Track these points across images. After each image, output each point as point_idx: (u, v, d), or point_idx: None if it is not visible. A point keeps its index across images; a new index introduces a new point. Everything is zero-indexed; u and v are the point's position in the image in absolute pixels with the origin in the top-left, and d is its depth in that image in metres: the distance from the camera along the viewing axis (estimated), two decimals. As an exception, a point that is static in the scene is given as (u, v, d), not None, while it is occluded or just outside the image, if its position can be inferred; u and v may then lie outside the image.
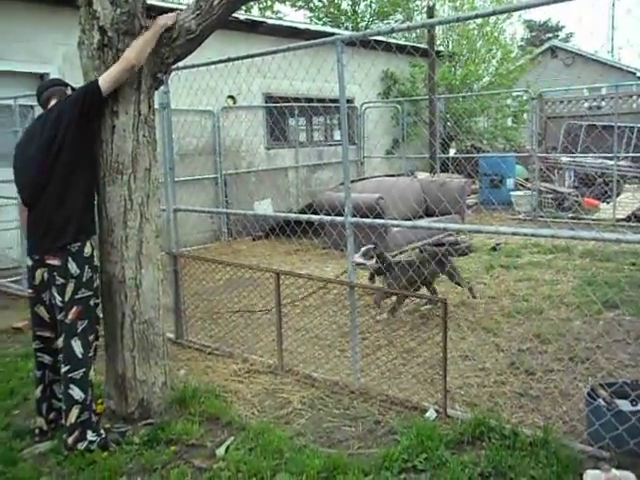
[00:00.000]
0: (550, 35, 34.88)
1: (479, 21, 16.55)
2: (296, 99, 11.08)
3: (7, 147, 3.69)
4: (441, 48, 15.87)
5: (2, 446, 3.39)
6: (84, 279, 3.34)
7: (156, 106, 4.01)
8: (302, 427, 3.55)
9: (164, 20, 3.57)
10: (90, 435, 3.31)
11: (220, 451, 3.28)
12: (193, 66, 4.74)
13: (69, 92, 3.58)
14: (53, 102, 3.50)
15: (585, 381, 3.91)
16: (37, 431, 3.53)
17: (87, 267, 3.37)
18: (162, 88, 4.66)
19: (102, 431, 3.39)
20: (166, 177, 5.05)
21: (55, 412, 3.55)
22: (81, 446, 3.27)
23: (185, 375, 4.30)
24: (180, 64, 4.15)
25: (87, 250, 3.38)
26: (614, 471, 2.80)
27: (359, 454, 3.23)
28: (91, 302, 3.40)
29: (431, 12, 13.47)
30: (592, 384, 3.44)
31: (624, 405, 3.11)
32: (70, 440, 3.28)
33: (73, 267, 3.32)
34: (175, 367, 4.37)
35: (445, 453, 3.10)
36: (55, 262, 3.32)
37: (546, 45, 24.16)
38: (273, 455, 3.17)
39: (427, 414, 3.57)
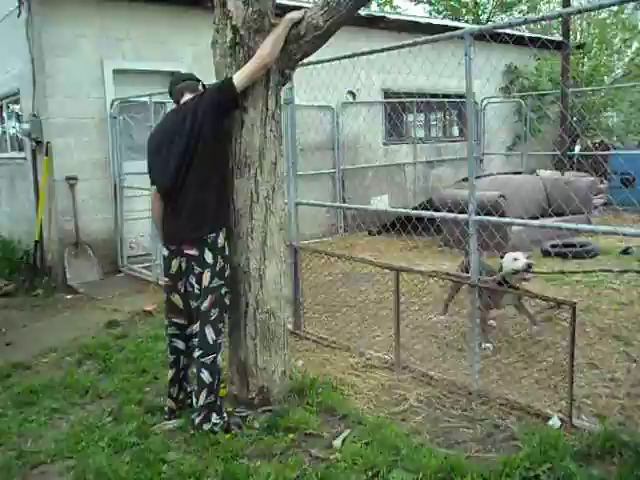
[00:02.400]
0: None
1: (614, 7, 15.57)
2: (414, 94, 10.98)
3: (142, 141, 3.91)
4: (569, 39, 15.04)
5: (136, 420, 3.64)
6: (217, 268, 3.50)
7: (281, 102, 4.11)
8: (418, 425, 3.52)
9: (292, 15, 3.63)
10: (214, 417, 3.46)
11: (337, 443, 3.32)
12: (318, 62, 4.81)
13: (200, 88, 3.73)
14: (187, 97, 3.65)
15: None
16: (166, 410, 3.74)
17: (220, 257, 3.52)
18: (287, 84, 4.76)
19: (225, 414, 3.54)
20: (289, 171, 5.16)
21: (184, 394, 3.75)
22: (206, 427, 3.44)
23: (303, 366, 4.38)
24: (304, 60, 4.23)
25: (221, 241, 3.53)
26: None
27: (477, 457, 3.15)
28: (222, 291, 3.55)
29: (567, 0, 12.74)
30: None
31: None
32: (197, 420, 3.46)
33: (209, 257, 3.48)
34: (293, 357, 4.47)
35: (571, 465, 2.94)
36: (193, 252, 3.50)
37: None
38: (389, 451, 3.16)
39: (550, 422, 3.42)
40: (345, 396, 3.88)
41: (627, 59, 15.97)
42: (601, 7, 3.38)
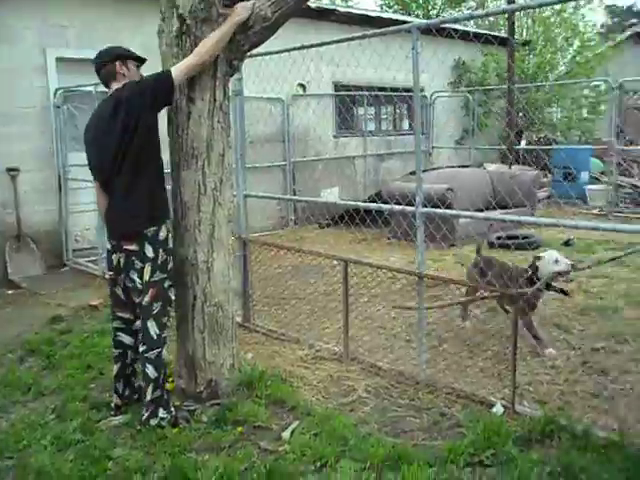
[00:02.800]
0: (635, 21, 33.25)
1: (557, 7, 15.99)
2: (366, 87, 11.04)
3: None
4: (516, 36, 15.38)
5: (81, 416, 3.57)
6: (159, 262, 3.45)
7: (229, 93, 4.07)
8: (367, 415, 3.56)
9: (241, 17, 3.56)
10: (161, 412, 3.42)
11: (286, 434, 3.33)
12: (266, 53, 4.78)
13: (119, 69, 3.50)
14: (116, 85, 3.47)
15: (664, 384, 3.75)
16: (112, 406, 3.68)
17: (162, 250, 3.46)
18: (235, 75, 4.72)
19: (172, 409, 3.50)
20: (237, 163, 5.12)
21: (131, 389, 3.69)
22: (153, 422, 3.40)
23: (252, 359, 4.37)
24: (253, 51, 4.20)
25: (162, 234, 3.48)
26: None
27: (424, 445, 3.21)
28: (165, 284, 3.50)
29: (512, -2, 13.02)
30: (672, 387, 3.29)
31: None
32: (144, 416, 3.42)
33: (149, 251, 3.42)
34: (242, 350, 4.44)
35: (513, 450, 3.04)
36: (133, 247, 3.44)
37: (630, 31, 23.02)
38: (338, 441, 3.19)
39: (494, 409, 3.51)
40: (294, 388, 3.89)
41: (569, 57, 16.43)
42: (541, 5, 3.48)
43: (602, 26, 27.87)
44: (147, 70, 3.70)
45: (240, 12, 3.57)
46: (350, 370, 4.17)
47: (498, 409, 3.51)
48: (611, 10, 34.86)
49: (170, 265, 3.56)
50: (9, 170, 7.35)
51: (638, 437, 3.12)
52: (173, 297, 3.64)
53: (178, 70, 3.40)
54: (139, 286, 3.45)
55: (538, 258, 4.35)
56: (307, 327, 5.01)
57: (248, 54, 4.20)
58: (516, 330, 3.55)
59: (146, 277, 3.42)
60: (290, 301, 5.67)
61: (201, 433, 3.37)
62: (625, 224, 3.30)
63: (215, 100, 3.72)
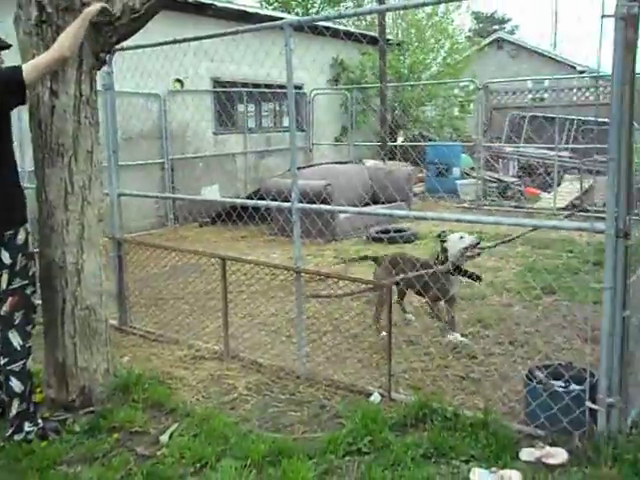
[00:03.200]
0: (497, 27, 35.56)
1: (428, 10, 16.75)
2: (244, 84, 10.99)
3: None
4: (390, 37, 15.95)
5: None
6: (17, 268, 3.21)
7: (99, 87, 3.91)
8: (247, 412, 3.55)
9: (90, 9, 3.36)
10: (27, 426, 3.21)
11: (164, 438, 3.25)
12: (138, 47, 4.63)
13: None
14: None
15: (524, 364, 4.03)
16: None
17: (20, 255, 3.22)
18: (105, 69, 4.53)
19: (39, 421, 3.30)
20: (110, 161, 4.93)
21: None
22: (18, 437, 3.19)
23: (129, 362, 4.22)
24: (125, 44, 4.05)
25: (20, 237, 3.22)
26: (547, 448, 2.93)
27: (304, 438, 3.25)
28: (27, 291, 3.28)
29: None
30: (530, 366, 3.55)
31: (559, 386, 3.23)
32: (9, 432, 3.20)
33: (6, 257, 3.17)
34: (118, 354, 4.29)
35: (389, 435, 3.15)
36: None
37: (492, 37, 24.61)
38: (218, 441, 3.16)
39: (372, 398, 3.63)
40: (173, 390, 3.80)
41: (440, 58, 17.28)
42: (406, 7, 3.63)
43: (470, 30, 29.54)
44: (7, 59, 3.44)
45: (90, 8, 3.37)
46: (230, 368, 4.14)
47: (375, 397, 3.63)
48: (477, 16, 37.07)
49: (32, 270, 3.33)
50: None
51: (501, 414, 3.34)
52: (38, 303, 3.42)
53: (31, 67, 3.13)
54: None
55: (444, 241, 4.49)
56: (186, 327, 4.92)
57: (118, 47, 4.07)
58: (390, 320, 3.68)
59: (3, 285, 3.18)
60: (169, 301, 5.54)
61: (73, 444, 3.21)
62: (489, 216, 3.52)
63: (81, 94, 3.56)
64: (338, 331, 4.74)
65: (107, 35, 3.61)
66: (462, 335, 4.57)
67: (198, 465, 2.99)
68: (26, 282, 3.27)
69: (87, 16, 3.33)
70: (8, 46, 3.39)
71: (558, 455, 2.89)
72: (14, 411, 3.20)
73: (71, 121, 3.52)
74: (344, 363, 4.19)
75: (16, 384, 3.20)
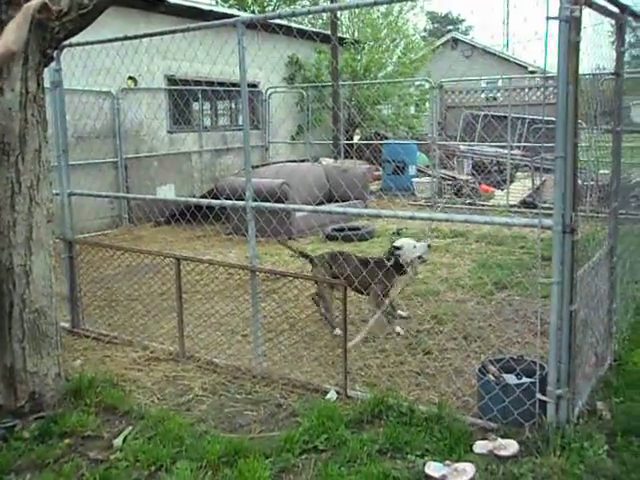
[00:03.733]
0: (451, 27, 36.09)
1: (383, 10, 16.89)
2: (199, 82, 10.87)
3: None
4: (346, 35, 16.02)
5: None
6: None
7: (47, 85, 3.81)
8: (203, 413, 3.52)
9: (30, 3, 3.24)
10: None
11: (117, 441, 3.19)
12: (87, 43, 4.54)
13: None
14: None
15: (477, 358, 4.11)
16: None
17: None
18: (53, 65, 4.43)
19: (-14, 426, 3.21)
20: (59, 160, 4.81)
21: None
22: None
23: (81, 365, 4.14)
24: (73, 40, 3.96)
25: None
26: (499, 440, 2.99)
27: (261, 438, 3.24)
28: None
29: (334, -3, 13.53)
30: (483, 361, 3.63)
31: (510, 379, 3.30)
32: None
33: None
34: (70, 357, 4.21)
35: (345, 432, 3.17)
36: None
37: (447, 37, 25.00)
38: (173, 442, 3.12)
39: (328, 395, 3.64)
40: (127, 392, 3.74)
41: (396, 57, 17.44)
42: (358, 6, 3.65)
43: (424, 30, 29.91)
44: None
45: (30, 3, 3.25)
46: (186, 369, 4.10)
47: (332, 395, 3.64)
48: (432, 16, 37.55)
49: None
50: None
51: (456, 408, 3.40)
52: None
53: None
54: None
55: (397, 248, 4.56)
56: (141, 328, 4.85)
57: (66, 43, 3.98)
58: (345, 318, 3.70)
59: None
60: (123, 302, 5.45)
61: (22, 451, 3.13)
62: (442, 213, 3.57)
63: (28, 92, 3.47)
64: (294, 330, 4.74)
65: (54, 31, 3.52)
66: (417, 331, 4.64)
67: (153, 468, 2.95)
68: None
69: (28, 11, 3.22)
70: None
71: (510, 447, 2.96)
72: None
73: (17, 119, 3.43)
74: (300, 362, 4.19)
75: None
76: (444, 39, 24.42)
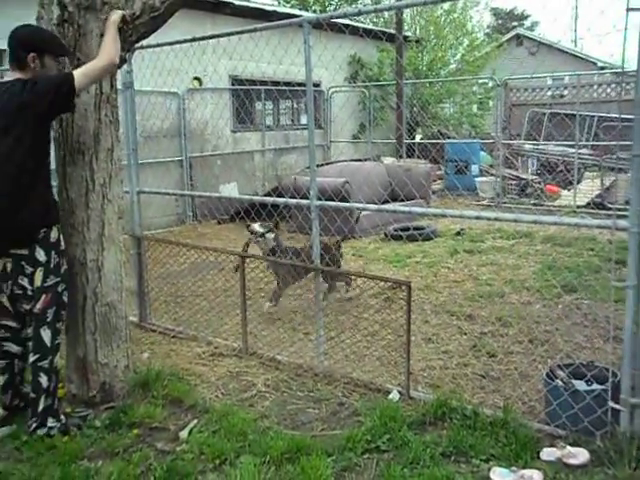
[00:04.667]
0: (516, 23, 35.24)
1: (446, 7, 16.64)
2: (263, 82, 11.00)
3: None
4: (409, 33, 15.87)
5: (-42, 433, 3.33)
6: (52, 265, 3.25)
7: (119, 86, 3.93)
8: (266, 409, 3.56)
9: (114, 17, 3.40)
10: (50, 422, 3.25)
11: (183, 434, 3.27)
12: (157, 45, 4.66)
13: (31, 63, 3.19)
14: (20, 75, 3.18)
15: (544, 363, 4.00)
16: None
17: (54, 253, 3.26)
18: (125, 67, 4.57)
19: (62, 417, 3.33)
20: (129, 159, 4.96)
21: (19, 399, 3.48)
22: (41, 432, 3.22)
23: (148, 358, 4.26)
24: (144, 43, 4.07)
25: (54, 235, 3.27)
26: (569, 448, 2.90)
27: (323, 436, 3.25)
28: (59, 288, 3.31)
29: (401, -5, 13.39)
30: (551, 365, 3.52)
31: (580, 385, 3.19)
32: (32, 427, 3.24)
33: (40, 254, 3.21)
34: (138, 350, 4.33)
35: (408, 434, 3.14)
36: (22, 251, 3.20)
37: (512, 33, 24.41)
38: (237, 437, 3.17)
39: (390, 396, 3.61)
40: (192, 386, 3.82)
41: (459, 55, 17.17)
42: (425, 3, 3.60)
43: (488, 27, 29.31)
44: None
45: (113, 17, 3.41)
46: (249, 365, 4.15)
47: (394, 395, 3.62)
48: (496, 12, 36.75)
49: (64, 268, 3.36)
50: None
51: (521, 413, 3.32)
52: (66, 300, 3.45)
53: (82, 75, 3.12)
54: (30, 292, 3.23)
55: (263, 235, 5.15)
56: (205, 324, 4.94)
57: (138, 45, 4.09)
58: (409, 318, 3.66)
59: (38, 282, 3.21)
60: (188, 298, 5.57)
61: (94, 439, 3.24)
62: (508, 213, 3.49)
63: (102, 93, 3.58)
64: (356, 329, 4.73)
65: (127, 34, 3.62)
66: (481, 333, 4.56)
67: (217, 461, 3.00)
68: (59, 279, 3.30)
69: (115, 24, 3.37)
70: (68, 53, 3.40)
71: (579, 455, 2.86)
72: (41, 407, 3.24)
73: (92, 119, 3.55)
74: (362, 361, 4.18)
75: (44, 380, 3.24)
76: (509, 36, 23.85)
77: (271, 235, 5.21)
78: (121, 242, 3.73)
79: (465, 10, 17.22)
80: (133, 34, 3.66)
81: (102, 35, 3.45)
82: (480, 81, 15.60)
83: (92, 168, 3.56)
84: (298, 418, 3.46)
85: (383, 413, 3.29)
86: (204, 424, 3.34)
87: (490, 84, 14.16)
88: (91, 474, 2.91)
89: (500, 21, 37.26)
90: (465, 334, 4.62)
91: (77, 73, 3.15)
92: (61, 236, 3.36)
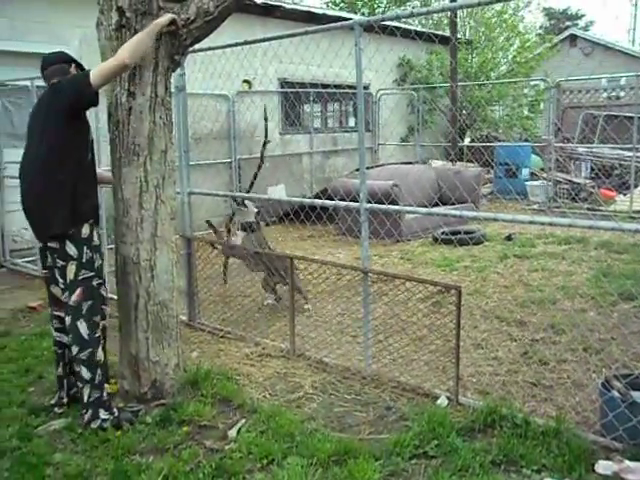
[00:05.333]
0: (570, 23, 34.41)
1: (498, 8, 16.38)
2: (311, 85, 11.04)
3: (24, 128, 3.70)
4: (459, 35, 15.67)
5: (18, 422, 3.44)
6: (84, 260, 3.36)
7: (172, 89, 4.00)
8: (313, 411, 3.56)
9: (159, 20, 3.48)
10: (103, 414, 3.34)
11: (232, 433, 3.30)
12: (209, 48, 4.72)
13: (73, 70, 3.51)
14: (54, 81, 3.44)
15: (599, 372, 3.89)
16: (55, 402, 3.61)
17: (86, 248, 3.37)
18: (178, 70, 4.64)
19: (115, 410, 3.42)
20: (181, 160, 5.05)
21: (75, 389, 3.60)
22: (94, 424, 3.31)
23: (197, 357, 4.32)
24: (196, 46, 4.13)
25: (85, 231, 3.38)
26: (627, 462, 2.79)
27: (370, 439, 3.23)
28: (93, 282, 3.41)
29: (454, -3, 13.22)
30: (606, 375, 3.42)
31: (639, 397, 3.08)
32: (85, 418, 3.35)
33: (72, 249, 3.33)
34: (188, 349, 4.39)
35: (456, 440, 3.09)
36: (54, 245, 3.36)
37: (565, 33, 23.83)
38: (284, 438, 3.18)
39: (439, 401, 3.57)
40: (240, 386, 3.86)
41: (510, 56, 16.86)
42: (480, 4, 3.55)
43: (540, 27, 28.70)
44: (88, 64, 3.61)
45: (159, 19, 3.48)
46: (296, 367, 4.17)
47: (442, 401, 3.57)
48: (548, 13, 35.96)
49: (97, 263, 3.46)
50: (-60, 168, 7.04)
51: (575, 424, 3.22)
52: (111, 296, 3.55)
53: (98, 73, 3.27)
54: (61, 285, 3.38)
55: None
56: (253, 325, 4.99)
57: (191, 49, 4.16)
58: (459, 323, 3.61)
59: (71, 276, 3.34)
60: (236, 299, 5.63)
61: (145, 435, 3.31)
62: (561, 218, 3.41)
63: (157, 95, 3.65)
64: (405, 333, 4.69)
65: (182, 38, 3.69)
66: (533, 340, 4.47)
67: (265, 461, 3.01)
68: (92, 274, 3.40)
69: (155, 27, 3.44)
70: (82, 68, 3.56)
71: (638, 471, 2.76)
72: (85, 398, 3.35)
73: (147, 122, 3.62)
74: (410, 365, 4.14)
75: (84, 372, 3.35)
76: (562, 36, 23.29)
77: (254, 209, 5.43)
78: (173, 242, 3.80)
79: (517, 11, 16.89)
80: (187, 38, 3.72)
81: (158, 39, 3.55)
82: (531, 83, 15.26)
83: (146, 169, 3.64)
84: (345, 421, 3.45)
85: (431, 418, 3.25)
86: (252, 424, 3.37)
87: (542, 86, 13.83)
88: (142, 469, 2.97)
89: (553, 21, 36.45)
90: (515, 340, 4.53)
91: (94, 71, 3.29)
92: (95, 232, 3.46)
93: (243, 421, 3.41)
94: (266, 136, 5.94)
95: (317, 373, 4.06)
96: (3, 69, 7.31)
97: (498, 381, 3.86)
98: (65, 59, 3.58)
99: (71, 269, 3.33)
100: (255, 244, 5.34)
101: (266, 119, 6.10)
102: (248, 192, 5.63)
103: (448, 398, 3.58)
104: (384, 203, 4.58)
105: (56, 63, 3.52)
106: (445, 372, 3.97)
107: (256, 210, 5.47)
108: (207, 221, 5.42)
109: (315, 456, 3.00)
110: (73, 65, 3.55)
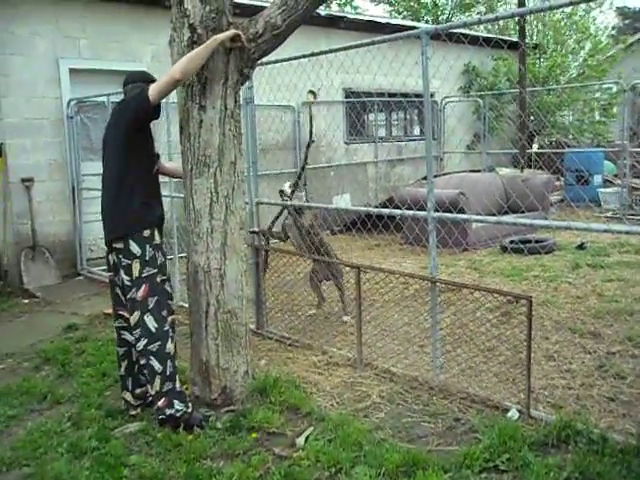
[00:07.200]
0: (645, 23, 33.04)
1: (567, 10, 15.95)
2: (380, 94, 11.05)
3: (100, 143, 3.89)
4: (527, 40, 15.34)
5: (97, 424, 3.59)
6: (147, 257, 3.53)
7: (240, 101, 4.10)
8: (381, 421, 3.55)
9: (218, 36, 3.57)
10: (177, 404, 3.48)
11: (300, 440, 3.33)
12: (277, 61, 4.81)
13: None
14: (123, 98, 3.79)
15: (682, 388, 3.70)
16: (124, 403, 3.77)
17: (148, 246, 3.54)
18: (247, 83, 4.75)
19: (190, 404, 3.55)
20: (249, 171, 5.15)
21: (141, 388, 3.73)
22: (169, 411, 3.45)
23: (266, 365, 4.38)
24: (264, 59, 4.22)
25: (146, 232, 3.56)
26: None
27: (439, 451, 3.19)
28: (157, 279, 3.57)
29: (522, 2, 12.98)
30: (690, 391, 3.25)
31: None
32: (159, 404, 3.48)
33: (135, 248, 3.51)
34: (256, 357, 4.46)
35: (528, 455, 3.01)
36: (119, 245, 3.54)
37: (640, 34, 22.90)
38: (352, 447, 3.18)
39: (509, 414, 3.49)
40: (308, 394, 3.89)
41: (581, 60, 16.37)
42: (552, 8, 3.47)
43: (613, 28, 27.68)
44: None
45: (218, 35, 3.58)
46: (364, 376, 4.16)
47: (513, 414, 3.49)
48: (622, 12, 34.66)
49: (160, 260, 3.61)
50: (24, 180, 7.44)
51: (656, 441, 3.08)
52: (170, 291, 3.70)
53: (156, 89, 3.47)
54: (128, 283, 3.53)
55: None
56: (320, 333, 5.01)
57: (258, 62, 4.25)
58: (530, 334, 3.53)
59: (136, 273, 3.51)
60: (303, 307, 5.67)
61: (216, 440, 3.38)
62: (639, 226, 3.28)
63: (226, 108, 3.75)
64: (473, 343, 4.61)
65: (250, 52, 3.78)
66: (608, 353, 4.29)
67: (333, 470, 3.03)
68: (155, 271, 3.56)
69: (214, 42, 3.54)
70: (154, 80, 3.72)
71: None
72: (157, 387, 3.48)
73: (217, 134, 3.72)
74: (479, 376, 4.06)
75: (155, 363, 3.48)
76: (638, 36, 22.40)
77: (301, 194, 5.51)
78: (242, 252, 3.88)
79: (588, 12, 16.38)
80: (256, 52, 3.81)
81: (228, 54, 3.65)
82: (603, 86, 14.75)
83: (216, 180, 3.74)
84: (413, 431, 3.42)
85: (502, 431, 3.18)
86: (320, 432, 3.39)
87: (615, 89, 13.34)
88: (213, 473, 3.03)
89: (628, 21, 35.11)
90: (590, 353, 4.37)
91: (152, 87, 3.50)
92: (156, 232, 3.62)
93: (311, 429, 3.44)
94: (310, 136, 5.95)
95: (384, 383, 4.05)
96: (84, 86, 7.67)
97: (572, 395, 3.73)
98: (145, 79, 3.77)
99: (135, 266, 3.51)
100: (305, 228, 5.41)
101: (311, 119, 6.12)
102: (293, 191, 5.63)
103: (519, 411, 3.49)
104: (451, 212, 4.53)
105: (136, 82, 3.75)
106: (515, 384, 3.88)
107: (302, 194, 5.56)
108: (251, 230, 5.38)
109: (383, 466, 2.99)
110: (151, 85, 3.66)
